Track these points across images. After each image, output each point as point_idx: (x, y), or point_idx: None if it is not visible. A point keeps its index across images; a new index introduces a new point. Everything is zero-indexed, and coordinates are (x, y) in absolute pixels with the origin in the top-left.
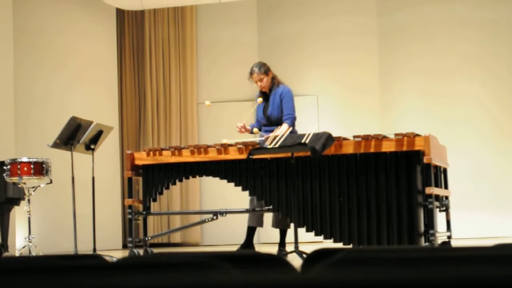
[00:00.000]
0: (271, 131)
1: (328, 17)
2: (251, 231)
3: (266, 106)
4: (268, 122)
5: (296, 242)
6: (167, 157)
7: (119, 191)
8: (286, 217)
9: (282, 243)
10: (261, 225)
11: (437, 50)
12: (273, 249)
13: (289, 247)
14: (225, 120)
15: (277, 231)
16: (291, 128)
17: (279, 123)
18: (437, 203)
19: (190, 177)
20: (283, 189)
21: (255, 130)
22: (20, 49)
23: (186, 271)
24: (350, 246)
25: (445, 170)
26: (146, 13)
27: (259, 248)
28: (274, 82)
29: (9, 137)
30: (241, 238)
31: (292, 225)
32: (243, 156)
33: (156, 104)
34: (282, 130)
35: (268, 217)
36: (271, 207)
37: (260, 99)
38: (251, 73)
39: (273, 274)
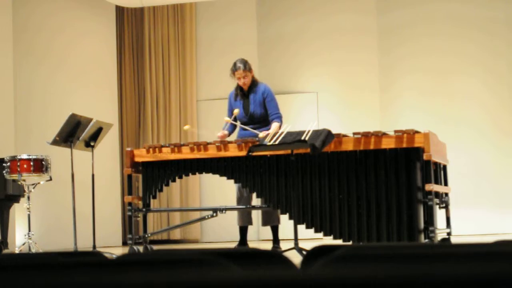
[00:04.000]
0: (252, 129)
1: (328, 15)
2: (244, 231)
3: (246, 104)
4: (251, 120)
5: (296, 239)
6: (166, 154)
7: (118, 188)
8: (285, 214)
9: (275, 240)
10: (250, 223)
11: (437, 48)
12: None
13: (289, 244)
14: (224, 117)
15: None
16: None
17: (261, 120)
18: (436, 200)
19: (190, 174)
20: (282, 186)
21: (225, 132)
22: (20, 47)
23: (186, 268)
24: (350, 243)
25: (445, 167)
26: (145, 11)
27: (258, 246)
28: (254, 80)
29: (9, 134)
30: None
31: (291, 222)
32: (243, 153)
33: (155, 101)
34: (274, 129)
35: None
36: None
37: (236, 110)
38: (236, 69)
39: (273, 270)
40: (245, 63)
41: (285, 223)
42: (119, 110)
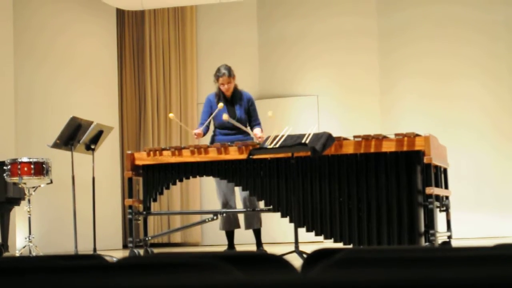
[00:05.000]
0: (232, 134)
1: (328, 17)
2: (231, 235)
3: (230, 110)
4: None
5: (296, 242)
6: (167, 157)
7: (119, 191)
8: (285, 217)
9: (258, 243)
10: (238, 226)
11: (437, 51)
12: (273, 250)
13: (290, 247)
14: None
15: (273, 231)
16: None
17: (245, 126)
18: (437, 203)
19: (190, 177)
20: (283, 189)
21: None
22: (21, 49)
23: (186, 272)
24: (351, 246)
25: (445, 170)
26: (146, 13)
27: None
28: (236, 87)
29: (9, 137)
30: (241, 238)
31: (292, 225)
32: (243, 156)
33: (156, 104)
34: (260, 134)
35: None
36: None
37: (221, 104)
38: (221, 75)
39: (274, 274)
40: (229, 69)
41: (286, 226)
42: (119, 113)
